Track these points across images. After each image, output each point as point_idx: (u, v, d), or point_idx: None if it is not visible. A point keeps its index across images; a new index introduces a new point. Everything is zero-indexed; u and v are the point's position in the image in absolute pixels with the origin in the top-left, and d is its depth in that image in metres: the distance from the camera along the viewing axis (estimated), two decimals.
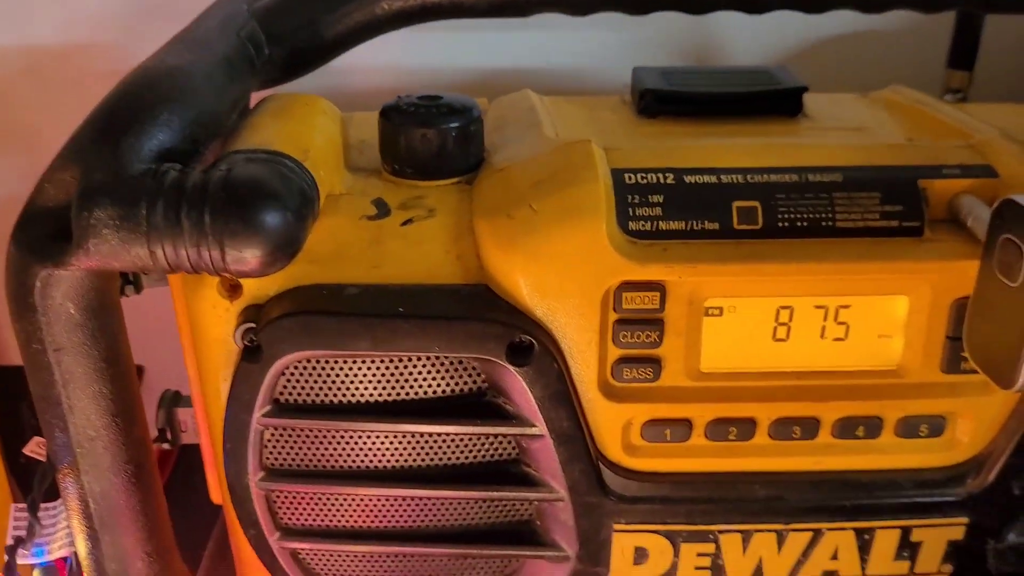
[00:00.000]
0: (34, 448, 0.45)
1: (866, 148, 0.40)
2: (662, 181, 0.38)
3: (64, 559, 0.43)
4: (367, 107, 0.48)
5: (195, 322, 0.39)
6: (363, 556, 0.42)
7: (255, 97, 0.45)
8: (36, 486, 0.40)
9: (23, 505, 0.44)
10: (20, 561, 0.43)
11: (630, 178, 0.38)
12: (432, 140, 0.40)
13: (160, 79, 0.35)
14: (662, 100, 0.49)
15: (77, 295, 0.35)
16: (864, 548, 0.41)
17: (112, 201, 0.32)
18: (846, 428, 0.39)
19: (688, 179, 0.38)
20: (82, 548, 0.40)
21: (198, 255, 0.32)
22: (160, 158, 0.33)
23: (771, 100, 0.49)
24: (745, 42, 0.67)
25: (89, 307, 0.35)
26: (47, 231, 0.34)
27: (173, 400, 0.52)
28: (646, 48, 0.68)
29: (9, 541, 0.42)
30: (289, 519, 0.41)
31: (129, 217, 0.32)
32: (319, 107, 0.42)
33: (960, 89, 0.60)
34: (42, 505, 0.44)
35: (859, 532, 0.40)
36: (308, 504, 0.41)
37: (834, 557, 0.41)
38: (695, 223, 0.37)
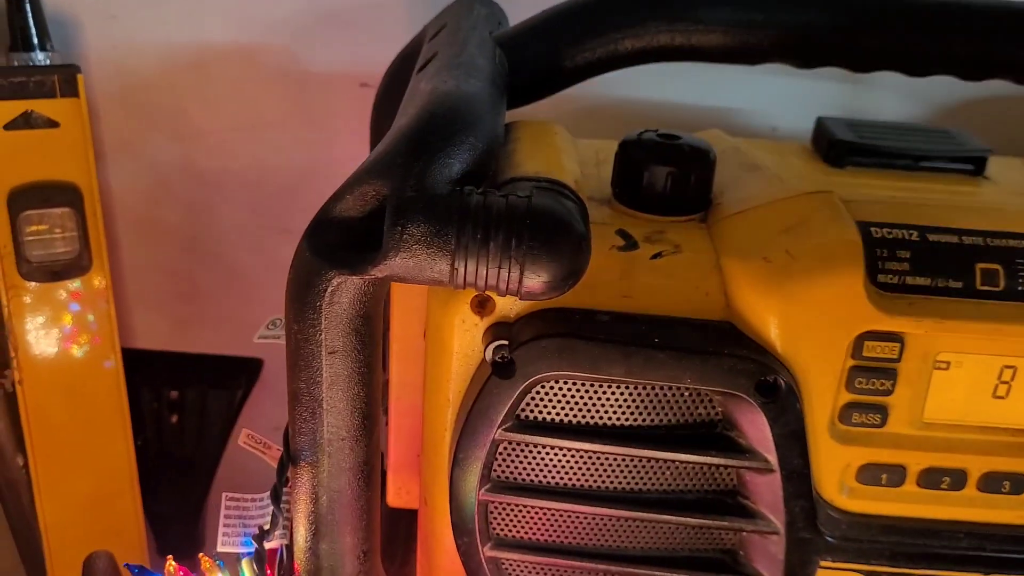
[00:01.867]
0: (246, 440, 0.47)
1: None
2: (907, 237, 0.39)
3: (275, 550, 0.44)
4: None
5: (439, 334, 0.41)
6: (565, 570, 0.44)
7: None
8: (279, 477, 0.41)
9: (235, 494, 0.45)
10: (231, 551, 0.44)
11: (877, 232, 0.39)
12: (677, 178, 0.42)
13: (461, 105, 0.37)
14: (853, 151, 0.51)
15: (360, 302, 0.36)
16: None
17: (426, 219, 0.34)
18: None
19: (931, 237, 0.40)
20: (302, 542, 0.42)
21: (497, 276, 0.34)
22: (462, 180, 0.35)
23: (958, 160, 0.51)
24: (897, 98, 0.69)
25: (367, 313, 0.37)
26: (344, 239, 0.35)
27: None
28: (785, 96, 0.70)
29: (224, 539, 0.43)
30: (502, 530, 0.43)
31: (440, 235, 0.34)
32: (565, 136, 0.44)
33: None
34: (252, 496, 0.46)
35: None
36: (524, 517, 0.43)
37: None
38: (940, 281, 0.39)
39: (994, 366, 0.40)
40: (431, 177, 0.34)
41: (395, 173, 0.35)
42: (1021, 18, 0.43)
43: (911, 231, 0.40)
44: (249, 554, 0.44)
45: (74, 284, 0.66)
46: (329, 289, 0.36)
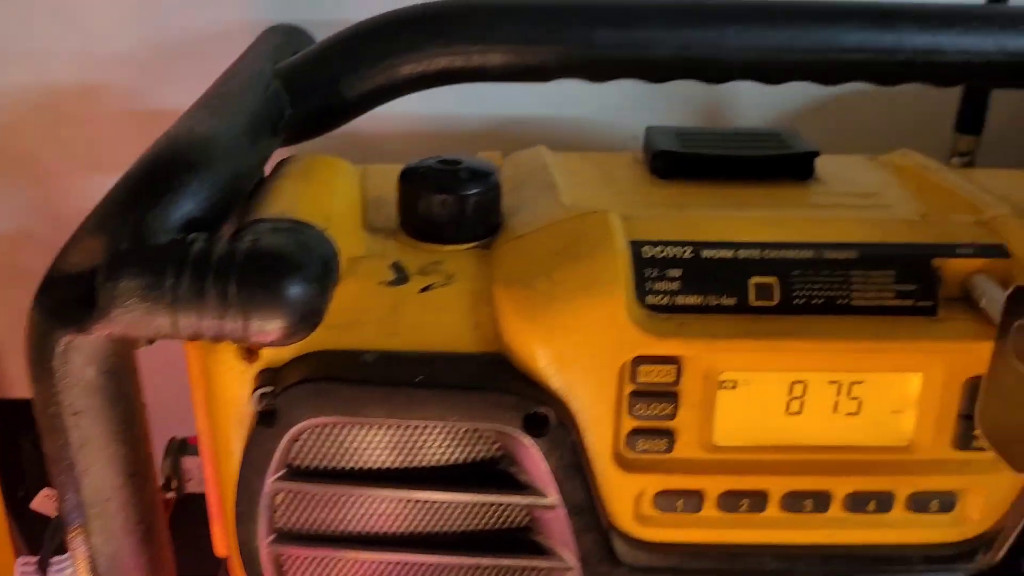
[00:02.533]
0: (42, 502, 0.45)
1: (881, 224, 0.40)
2: (680, 256, 0.38)
3: None
4: (379, 152, 0.49)
5: (210, 383, 0.39)
6: None
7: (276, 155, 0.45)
8: (46, 544, 0.40)
9: (31, 559, 0.44)
10: None
11: (648, 251, 0.38)
12: (452, 206, 0.40)
13: (187, 147, 0.35)
14: (676, 162, 0.49)
15: (98, 360, 0.35)
16: None
17: (138, 271, 0.32)
18: (857, 502, 0.40)
19: (705, 253, 0.38)
20: None
21: (221, 326, 0.33)
22: (186, 227, 0.34)
23: (784, 164, 0.49)
24: (754, 100, 0.68)
25: (109, 371, 0.35)
26: (71, 296, 0.34)
27: (180, 448, 0.52)
28: (655, 101, 0.68)
29: None
30: None
31: (154, 288, 0.32)
32: (340, 169, 0.42)
33: (967, 152, 0.61)
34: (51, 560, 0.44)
35: None
36: (318, 567, 0.41)
37: None
38: (712, 298, 0.37)
39: (783, 382, 0.38)
40: (147, 227, 0.33)
41: (110, 225, 0.33)
42: (804, 19, 0.42)
43: (684, 248, 0.38)
44: None
45: None
46: (60, 349, 0.34)
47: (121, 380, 0.36)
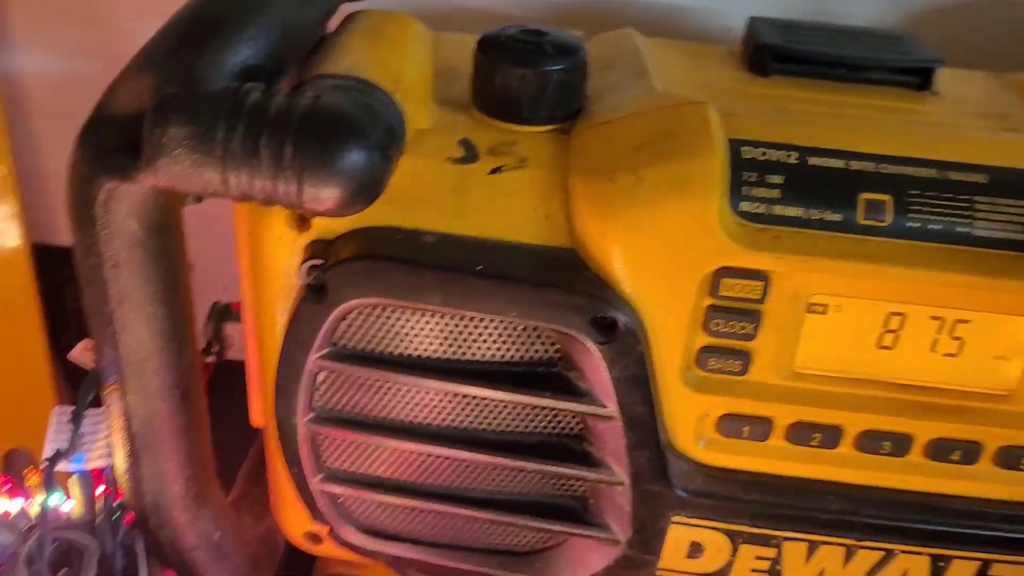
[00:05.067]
0: (80, 353, 0.44)
1: (1016, 147, 0.35)
2: (784, 160, 0.34)
3: (102, 469, 0.42)
4: (447, 28, 0.44)
5: (257, 251, 0.37)
6: (404, 508, 0.41)
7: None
8: (81, 396, 0.38)
9: (66, 409, 0.42)
10: (58, 469, 0.42)
11: (748, 152, 0.34)
12: (532, 82, 0.36)
13: None
14: (778, 58, 0.44)
15: (141, 212, 0.32)
16: (936, 574, 0.38)
17: (188, 119, 0.29)
18: (941, 450, 0.36)
19: (812, 160, 0.34)
20: (121, 464, 0.39)
21: (274, 188, 0.30)
22: (243, 75, 0.30)
23: (900, 72, 0.44)
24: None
25: (152, 225, 0.33)
26: (116, 141, 0.31)
27: (222, 314, 0.50)
28: None
29: (48, 451, 0.41)
30: (334, 463, 0.40)
31: (205, 139, 0.29)
32: (412, 31, 0.38)
33: None
34: (85, 412, 0.43)
35: (935, 558, 0.38)
36: (355, 451, 0.39)
37: None
38: (815, 211, 0.33)
39: (880, 312, 0.35)
40: (200, 71, 0.30)
41: (160, 66, 0.30)
42: None
43: (790, 152, 0.34)
44: (79, 472, 0.42)
45: None
46: (101, 197, 0.32)
47: (164, 237, 0.34)
